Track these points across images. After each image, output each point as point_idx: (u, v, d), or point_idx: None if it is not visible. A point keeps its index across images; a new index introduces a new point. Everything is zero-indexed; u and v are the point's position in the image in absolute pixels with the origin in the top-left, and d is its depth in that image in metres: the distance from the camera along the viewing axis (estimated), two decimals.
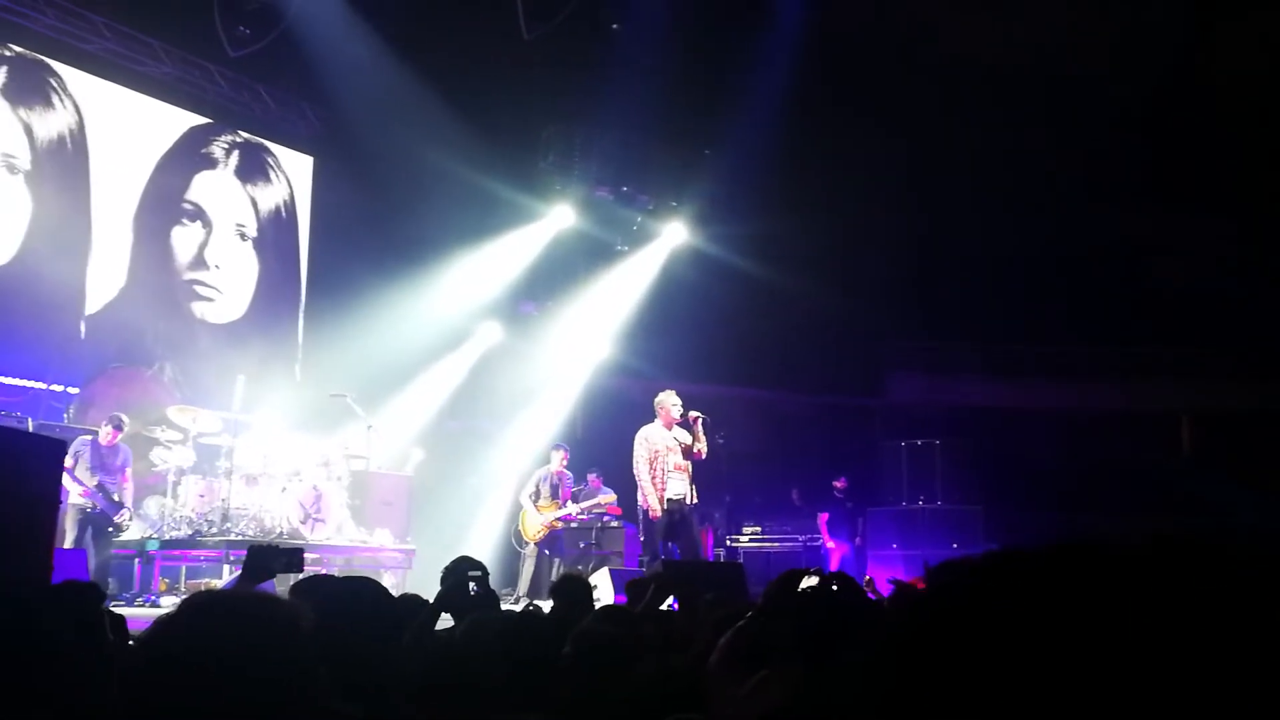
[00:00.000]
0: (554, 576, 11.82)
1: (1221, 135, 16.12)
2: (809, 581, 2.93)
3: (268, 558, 3.82)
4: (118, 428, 10.13)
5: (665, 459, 9.76)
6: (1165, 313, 17.58)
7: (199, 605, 1.83)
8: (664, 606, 4.95)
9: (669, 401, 9.99)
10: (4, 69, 11.93)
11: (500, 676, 3.03)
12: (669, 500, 9.69)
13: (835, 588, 2.91)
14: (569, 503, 12.31)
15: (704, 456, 9.99)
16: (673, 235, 15.65)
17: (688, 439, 9.91)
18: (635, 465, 9.82)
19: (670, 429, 9.93)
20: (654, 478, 9.70)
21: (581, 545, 12.46)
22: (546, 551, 12.16)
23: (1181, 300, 17.52)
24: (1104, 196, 17.22)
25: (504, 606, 6.15)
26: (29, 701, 2.84)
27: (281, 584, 7.60)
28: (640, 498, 9.80)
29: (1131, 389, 17.96)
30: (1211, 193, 16.71)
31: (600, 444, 13.82)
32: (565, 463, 12.51)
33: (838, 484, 14.02)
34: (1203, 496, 15.50)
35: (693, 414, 9.93)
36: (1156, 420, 17.91)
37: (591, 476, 12.89)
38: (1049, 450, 17.48)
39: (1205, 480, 16.21)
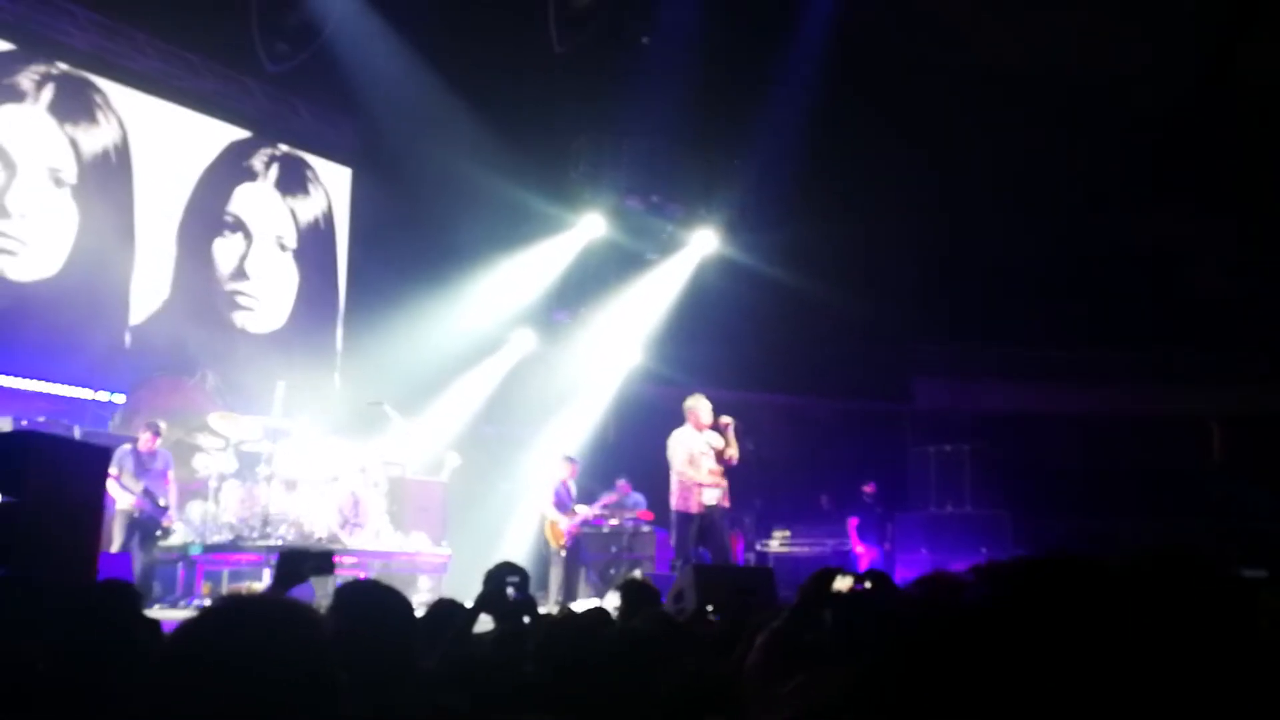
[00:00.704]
0: (582, 582, 11.99)
1: (1247, 138, 16.09)
2: (842, 581, 3.05)
3: (298, 561, 3.91)
4: (155, 433, 10.35)
5: (699, 463, 9.83)
6: (1193, 316, 17.56)
7: (220, 609, 1.85)
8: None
9: (700, 406, 10.05)
10: (50, 86, 12.22)
11: (533, 678, 3.18)
12: (705, 506, 9.81)
13: (869, 585, 3.04)
14: (578, 506, 12.44)
15: (735, 462, 10.02)
16: (702, 243, 15.79)
17: (720, 444, 9.98)
18: (676, 465, 9.84)
19: (701, 433, 10.04)
20: (688, 482, 9.81)
21: (613, 550, 12.61)
22: (571, 557, 12.27)
23: (1209, 303, 17.50)
24: (1130, 200, 17.24)
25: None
26: (61, 699, 3.00)
27: (321, 587, 7.84)
28: (675, 499, 9.89)
29: (1162, 393, 17.94)
30: (1237, 195, 16.69)
31: (632, 450, 13.96)
32: (573, 475, 12.65)
33: (867, 489, 14.12)
34: (1233, 501, 15.47)
35: (724, 419, 9.96)
36: (1187, 424, 17.89)
37: (620, 482, 13.03)
38: (1078, 455, 17.52)
39: (1235, 485, 16.18)
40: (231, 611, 1.82)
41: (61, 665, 3.14)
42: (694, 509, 9.72)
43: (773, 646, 2.80)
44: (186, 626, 1.74)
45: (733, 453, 9.94)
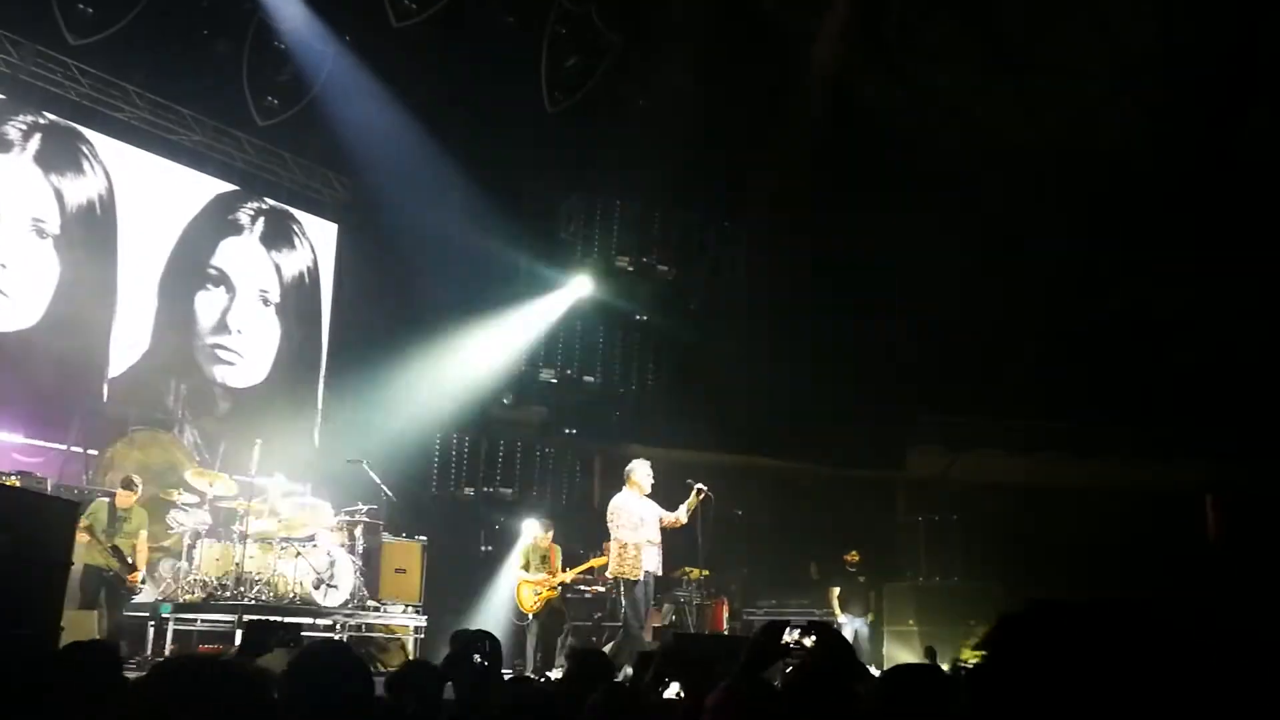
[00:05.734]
0: (561, 647, 11.68)
1: (1247, 212, 16.10)
2: (791, 635, 2.95)
3: (265, 633, 3.84)
4: (130, 489, 10.17)
5: (640, 530, 9.66)
6: (1188, 389, 17.45)
7: (167, 670, 1.86)
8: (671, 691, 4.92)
9: (640, 472, 9.91)
10: (38, 136, 12.15)
11: None
12: (644, 572, 9.61)
13: (815, 639, 2.92)
14: (561, 571, 12.12)
15: (680, 525, 9.83)
16: (693, 303, 15.72)
17: (659, 512, 9.78)
18: (622, 532, 9.66)
19: (641, 499, 9.82)
20: (631, 547, 9.61)
21: (597, 615, 12.37)
22: (551, 622, 11.92)
23: (1204, 376, 17.40)
24: (1126, 273, 17.22)
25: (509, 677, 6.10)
26: None
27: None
28: (615, 564, 9.66)
29: (1156, 466, 17.80)
30: (1239, 269, 16.66)
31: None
32: (544, 541, 12.36)
33: (848, 558, 13.66)
34: (1225, 576, 15.26)
35: (699, 487, 9.67)
36: (1180, 498, 17.70)
37: (606, 545, 12.78)
38: (1068, 528, 17.30)
39: (1228, 559, 15.99)
40: (177, 673, 1.84)
41: None
42: (637, 575, 9.53)
43: (724, 706, 2.68)
44: (135, 687, 1.81)
45: (681, 519, 9.71)
